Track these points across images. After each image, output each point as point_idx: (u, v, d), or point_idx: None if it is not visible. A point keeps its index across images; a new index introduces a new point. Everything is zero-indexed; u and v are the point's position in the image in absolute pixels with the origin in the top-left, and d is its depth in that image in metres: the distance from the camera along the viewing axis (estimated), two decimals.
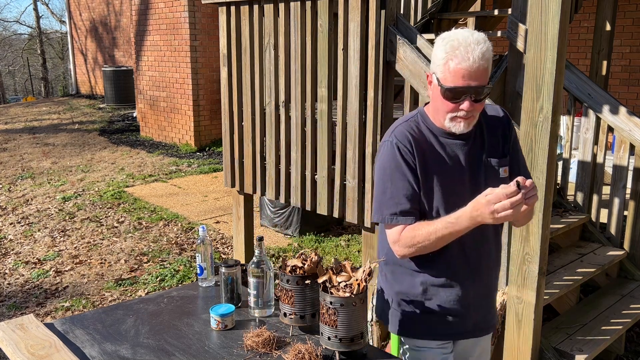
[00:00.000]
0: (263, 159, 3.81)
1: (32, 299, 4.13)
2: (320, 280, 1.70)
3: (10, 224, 5.74)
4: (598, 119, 3.57)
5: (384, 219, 1.68)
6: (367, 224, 3.21)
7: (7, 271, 4.62)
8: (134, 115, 11.15)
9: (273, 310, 2.01)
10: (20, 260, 4.80)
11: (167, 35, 9.03)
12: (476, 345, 1.91)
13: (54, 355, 1.73)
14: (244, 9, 3.69)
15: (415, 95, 2.97)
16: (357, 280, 1.68)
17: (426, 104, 1.77)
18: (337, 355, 1.67)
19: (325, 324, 1.66)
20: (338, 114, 3.22)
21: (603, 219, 3.71)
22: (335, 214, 3.35)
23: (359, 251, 4.82)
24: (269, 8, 3.50)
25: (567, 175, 3.86)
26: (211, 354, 1.75)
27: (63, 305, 3.99)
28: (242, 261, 4.03)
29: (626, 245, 3.60)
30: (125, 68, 12.03)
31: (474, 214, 1.49)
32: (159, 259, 4.76)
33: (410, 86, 2.95)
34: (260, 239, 1.96)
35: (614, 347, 3.24)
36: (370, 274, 1.68)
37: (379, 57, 2.98)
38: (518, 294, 2.63)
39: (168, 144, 9.43)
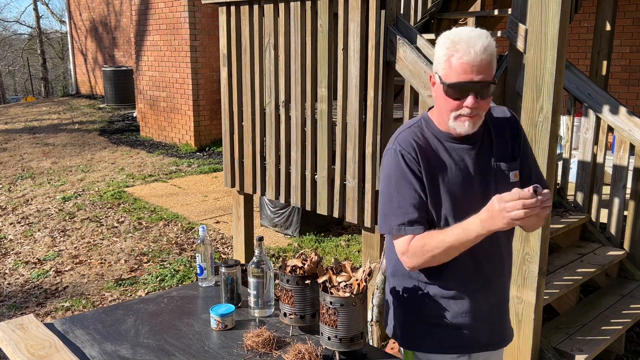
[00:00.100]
0: (263, 159, 3.81)
1: (32, 299, 4.13)
2: (320, 280, 1.70)
3: (10, 224, 5.74)
4: (598, 119, 3.57)
5: (392, 230, 1.61)
6: (367, 224, 3.21)
7: (7, 271, 4.62)
8: (134, 115, 11.15)
9: (273, 310, 2.01)
10: (20, 260, 4.80)
11: (167, 35, 9.03)
12: (491, 358, 1.83)
13: (54, 355, 1.73)
14: (244, 9, 3.69)
15: (415, 95, 2.97)
16: (357, 280, 1.68)
17: (430, 108, 1.70)
18: (337, 355, 1.67)
19: (325, 324, 1.66)
20: (338, 114, 3.22)
21: (603, 219, 3.71)
22: (335, 214, 3.35)
23: (359, 251, 4.82)
24: (269, 8, 3.50)
25: (567, 175, 3.86)
26: (211, 354, 1.75)
27: (63, 305, 3.99)
28: (242, 261, 4.03)
29: (626, 245, 3.60)
30: (125, 68, 12.03)
31: (485, 221, 1.42)
32: (159, 259, 4.76)
33: (410, 86, 2.94)
34: (260, 239, 1.96)
35: (614, 347, 3.24)
36: (370, 274, 1.68)
37: (379, 57, 2.98)
38: (518, 293, 2.63)
39: (168, 144, 9.43)
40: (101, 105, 12.64)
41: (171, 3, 8.82)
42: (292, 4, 3.35)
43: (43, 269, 4.61)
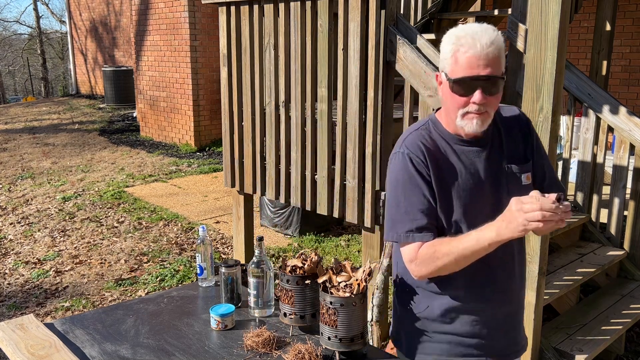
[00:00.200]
0: (263, 159, 3.81)
1: (32, 299, 4.13)
2: (320, 280, 1.70)
3: (10, 224, 5.74)
4: (598, 119, 3.57)
5: (399, 237, 1.53)
6: (367, 224, 3.21)
7: (7, 271, 4.62)
8: (134, 115, 11.15)
9: (273, 310, 2.01)
10: (20, 260, 4.80)
11: (167, 35, 9.03)
12: None
13: (54, 355, 1.73)
14: (244, 9, 3.69)
15: (415, 95, 2.97)
16: (357, 280, 1.67)
17: (437, 110, 1.64)
18: (337, 355, 1.67)
19: (325, 324, 1.66)
20: (338, 114, 3.22)
21: (603, 219, 3.72)
22: (335, 214, 3.35)
23: (359, 251, 4.82)
24: (269, 8, 3.50)
25: (567, 175, 3.86)
26: (211, 354, 1.75)
27: (63, 305, 3.99)
28: (242, 261, 4.03)
29: (626, 245, 3.60)
30: (125, 68, 12.03)
31: (500, 227, 1.35)
32: (159, 259, 4.76)
33: (410, 86, 2.95)
34: (260, 239, 1.96)
35: (614, 347, 3.24)
36: (370, 274, 1.68)
37: (379, 57, 2.98)
38: None
39: (168, 144, 9.44)
40: (101, 105, 12.64)
41: (171, 3, 8.82)
42: (292, 4, 3.35)
43: (43, 269, 4.61)
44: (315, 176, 3.44)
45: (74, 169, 7.85)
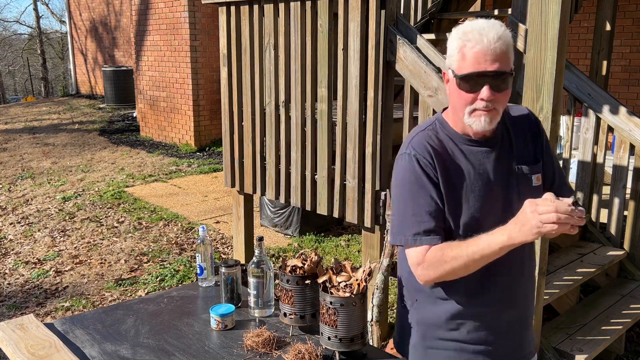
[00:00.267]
0: (263, 159, 3.81)
1: (32, 299, 4.13)
2: (320, 280, 1.70)
3: (10, 224, 5.74)
4: (598, 119, 3.57)
5: (406, 240, 1.48)
6: (367, 224, 3.21)
7: (7, 271, 4.62)
8: (134, 115, 11.15)
9: (273, 310, 2.01)
10: (20, 260, 4.80)
11: (167, 35, 9.03)
12: None
13: (54, 355, 1.73)
14: (244, 9, 3.69)
15: (415, 95, 2.97)
16: (357, 280, 1.67)
17: (444, 109, 1.59)
18: (337, 355, 1.67)
19: (325, 324, 1.66)
20: (338, 114, 3.22)
21: (603, 219, 3.72)
22: (335, 214, 3.35)
23: (359, 251, 4.82)
24: (269, 8, 3.50)
25: (567, 175, 3.87)
26: (211, 354, 1.75)
27: (63, 305, 3.99)
28: (242, 261, 4.03)
29: (626, 245, 3.60)
30: (125, 68, 12.03)
31: (512, 230, 1.31)
32: (159, 259, 4.76)
33: (410, 86, 2.95)
34: (260, 239, 1.96)
35: (614, 347, 3.24)
36: (370, 274, 1.68)
37: (379, 57, 2.98)
38: None
39: (168, 144, 9.44)
40: (101, 105, 12.64)
41: (171, 3, 8.82)
42: (292, 4, 3.35)
43: (43, 269, 4.61)
44: (315, 176, 3.44)
45: (74, 169, 7.85)
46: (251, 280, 1.95)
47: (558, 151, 4.02)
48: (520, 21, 3.23)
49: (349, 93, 3.15)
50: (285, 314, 1.85)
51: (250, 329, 1.87)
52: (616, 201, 3.54)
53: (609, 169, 3.84)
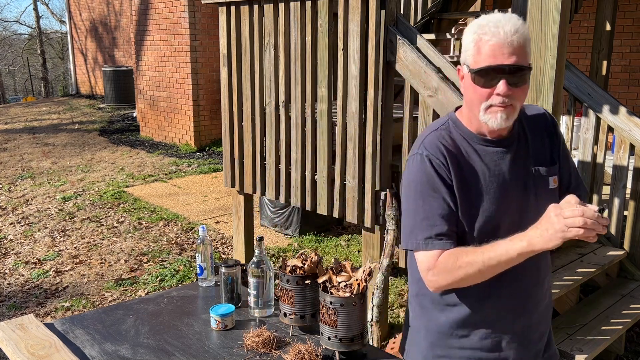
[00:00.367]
0: (263, 159, 3.81)
1: (32, 299, 4.13)
2: (320, 280, 1.70)
3: (10, 224, 5.74)
4: (598, 119, 3.57)
5: (417, 245, 1.42)
6: (367, 224, 3.21)
7: (7, 271, 4.62)
8: (134, 115, 11.15)
9: (273, 310, 2.01)
10: (20, 260, 4.80)
11: (167, 35, 9.03)
12: None
13: (54, 355, 1.72)
14: (244, 9, 3.69)
15: (415, 95, 2.97)
16: (357, 280, 1.68)
17: (457, 108, 1.53)
18: (337, 355, 1.67)
19: (325, 324, 1.66)
20: (338, 114, 3.22)
21: None
22: (335, 214, 3.35)
23: (359, 251, 4.82)
24: (269, 8, 3.50)
25: None
26: (211, 354, 1.75)
27: (63, 305, 3.99)
28: (242, 261, 4.03)
29: (626, 245, 3.60)
30: (125, 68, 12.03)
31: (533, 237, 1.25)
32: (159, 259, 4.76)
33: (410, 86, 2.95)
34: (260, 239, 1.96)
35: (614, 347, 3.24)
36: (370, 274, 1.68)
37: (379, 57, 2.98)
38: None
39: (168, 144, 9.44)
40: (101, 105, 12.64)
41: (171, 3, 8.82)
42: (292, 4, 3.35)
43: (43, 269, 4.61)
44: (315, 176, 3.44)
45: (74, 169, 7.85)
46: (251, 280, 1.95)
47: None
48: None
49: (349, 93, 3.15)
50: (285, 314, 1.85)
51: (250, 329, 1.87)
52: (616, 201, 3.54)
53: (609, 169, 3.84)
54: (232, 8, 3.78)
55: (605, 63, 4.67)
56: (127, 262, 4.72)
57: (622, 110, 3.47)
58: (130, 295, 4.13)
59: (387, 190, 3.10)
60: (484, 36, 1.33)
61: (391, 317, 3.59)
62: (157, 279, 4.34)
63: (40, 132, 10.43)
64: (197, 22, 8.65)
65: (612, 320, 3.10)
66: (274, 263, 4.50)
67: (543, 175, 1.47)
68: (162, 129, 9.59)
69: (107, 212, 5.98)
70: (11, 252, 5.01)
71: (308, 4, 3.26)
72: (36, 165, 8.13)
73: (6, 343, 1.82)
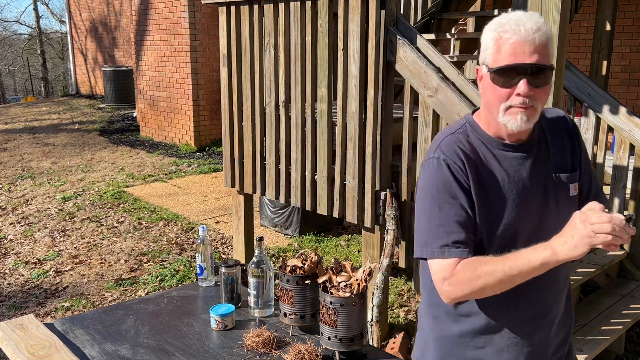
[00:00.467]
0: (263, 159, 3.81)
1: (32, 299, 4.13)
2: (320, 280, 1.71)
3: (10, 224, 5.74)
4: (598, 119, 3.57)
5: (433, 253, 1.35)
6: (367, 224, 3.21)
7: (7, 271, 4.62)
8: (134, 115, 11.16)
9: (273, 310, 2.01)
10: (20, 260, 4.80)
11: (167, 35, 9.03)
12: None
13: (54, 355, 1.73)
14: (244, 9, 3.69)
15: (415, 95, 2.97)
16: (357, 280, 1.68)
17: (474, 110, 1.47)
18: (337, 355, 1.67)
19: (325, 324, 1.66)
20: (338, 114, 3.22)
21: None
22: (335, 214, 3.35)
23: (359, 251, 4.82)
24: (269, 8, 3.50)
25: None
26: (211, 354, 1.75)
27: (63, 305, 3.99)
28: (242, 261, 4.03)
29: (626, 245, 3.59)
30: (125, 68, 12.03)
31: (557, 245, 1.19)
32: (159, 259, 4.76)
33: (410, 86, 2.95)
34: (260, 239, 1.96)
35: (614, 347, 3.24)
36: (370, 274, 1.68)
37: (379, 57, 2.99)
38: None
39: (168, 144, 9.44)
40: (101, 105, 12.64)
41: (171, 3, 8.82)
42: (292, 4, 3.35)
43: (43, 269, 4.61)
44: (315, 176, 3.44)
45: (74, 169, 7.85)
46: (251, 280, 1.95)
47: None
48: None
49: (349, 93, 3.15)
50: (285, 314, 1.85)
51: (250, 329, 1.87)
52: (616, 201, 3.54)
53: (609, 169, 3.84)
54: (232, 8, 3.78)
55: (605, 63, 4.66)
56: (127, 262, 4.72)
57: (622, 110, 3.47)
58: (130, 295, 4.13)
59: (387, 190, 3.10)
60: (504, 34, 1.28)
61: (391, 317, 3.59)
62: (157, 279, 4.34)
63: (40, 132, 10.43)
64: (197, 22, 8.65)
65: (612, 320, 3.10)
66: (274, 263, 4.50)
67: (564, 182, 1.42)
68: (162, 129, 9.60)
69: (107, 212, 5.98)
70: (11, 252, 5.02)
71: (308, 4, 3.26)
72: (36, 165, 8.13)
73: (6, 343, 1.82)
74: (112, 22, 13.00)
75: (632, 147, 3.45)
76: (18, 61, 28.58)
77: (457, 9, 5.35)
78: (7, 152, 8.93)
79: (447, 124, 2.79)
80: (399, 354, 3.06)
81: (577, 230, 1.16)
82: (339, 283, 1.68)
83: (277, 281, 1.91)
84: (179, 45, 8.83)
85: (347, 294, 1.64)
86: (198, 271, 2.27)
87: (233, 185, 4.08)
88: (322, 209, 3.43)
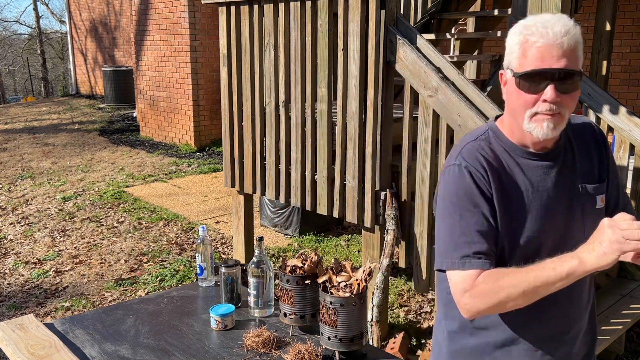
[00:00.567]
0: (263, 159, 3.81)
1: (32, 299, 4.13)
2: (320, 280, 1.71)
3: (10, 224, 5.74)
4: (598, 119, 3.57)
5: (453, 264, 1.28)
6: (367, 224, 3.21)
7: (7, 271, 4.63)
8: (134, 115, 11.16)
9: (273, 310, 2.01)
10: (20, 260, 4.81)
11: (167, 35, 9.03)
12: None
13: (54, 355, 1.73)
14: (244, 9, 3.69)
15: (415, 95, 2.97)
16: (357, 280, 1.68)
17: (497, 117, 1.41)
18: (337, 355, 1.67)
19: (325, 324, 1.66)
20: (338, 114, 3.22)
21: None
22: (335, 214, 3.35)
23: (359, 251, 4.82)
24: (269, 8, 3.50)
25: None
26: (211, 354, 1.75)
27: (63, 305, 3.99)
28: (242, 261, 4.03)
29: None
30: (125, 68, 12.03)
31: (584, 254, 1.13)
32: (159, 259, 4.76)
33: (410, 86, 2.95)
34: (260, 239, 1.96)
35: (614, 347, 3.24)
36: (370, 274, 1.68)
37: (379, 57, 2.99)
38: None
39: (168, 144, 9.44)
40: (101, 105, 12.64)
41: (171, 3, 8.83)
42: (292, 4, 3.35)
43: (43, 269, 4.61)
44: (315, 176, 3.44)
45: (74, 169, 7.85)
46: (251, 280, 1.95)
47: None
48: None
49: (349, 93, 3.15)
50: (285, 314, 1.85)
51: (250, 329, 1.87)
52: None
53: None
54: (232, 8, 3.78)
55: (605, 63, 4.66)
56: (127, 262, 4.72)
57: (622, 110, 3.47)
58: (130, 295, 4.13)
59: (387, 190, 3.10)
60: (531, 37, 1.22)
61: (391, 317, 3.59)
62: (157, 279, 4.34)
63: (40, 132, 10.43)
64: (197, 22, 8.65)
65: (612, 320, 3.09)
66: (274, 263, 4.50)
67: (590, 193, 1.35)
68: (162, 129, 9.60)
69: (107, 212, 5.98)
70: (11, 252, 5.02)
71: (308, 4, 3.26)
72: (36, 165, 8.13)
73: (6, 343, 1.82)
74: (112, 22, 13.01)
75: (632, 147, 3.44)
76: (18, 61, 28.58)
77: (457, 9, 5.35)
78: (7, 152, 8.93)
79: (447, 124, 2.79)
80: (399, 354, 3.06)
81: (606, 236, 1.10)
82: (339, 283, 1.68)
83: (277, 281, 1.91)
84: (179, 45, 8.83)
85: (347, 294, 1.64)
86: (198, 271, 2.27)
87: (233, 185, 4.08)
88: (322, 209, 3.43)
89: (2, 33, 29.17)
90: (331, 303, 1.64)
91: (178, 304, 2.12)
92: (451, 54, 5.41)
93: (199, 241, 2.23)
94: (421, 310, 3.77)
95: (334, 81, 3.24)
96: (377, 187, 3.14)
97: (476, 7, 5.51)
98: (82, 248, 5.04)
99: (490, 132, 1.38)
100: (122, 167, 7.88)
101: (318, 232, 5.28)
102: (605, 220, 1.13)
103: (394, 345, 3.14)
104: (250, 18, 3.67)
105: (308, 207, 3.51)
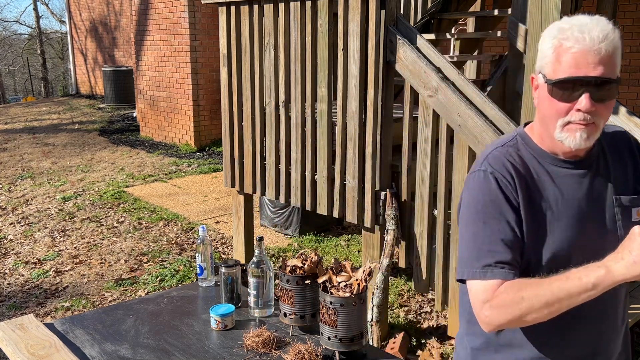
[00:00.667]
0: (263, 159, 3.81)
1: (32, 299, 4.13)
2: (320, 280, 1.71)
3: (10, 224, 5.74)
4: None
5: (475, 273, 1.20)
6: (367, 223, 3.21)
7: (7, 271, 4.63)
8: (134, 115, 11.16)
9: (273, 310, 2.01)
10: (20, 260, 4.81)
11: (167, 35, 9.03)
12: None
13: (54, 355, 1.73)
14: (244, 9, 3.69)
15: (415, 95, 2.97)
16: (357, 280, 1.68)
17: (527, 123, 1.36)
18: (337, 355, 1.67)
19: (325, 324, 1.66)
20: (338, 114, 3.22)
21: None
22: (335, 214, 3.35)
23: (359, 251, 4.82)
24: (269, 8, 3.50)
25: None
26: (211, 354, 1.75)
27: (63, 305, 3.99)
28: (242, 261, 4.03)
29: None
30: (125, 68, 12.03)
31: (612, 262, 1.06)
32: (159, 259, 4.76)
33: (410, 86, 2.95)
34: (260, 239, 1.96)
35: None
36: (370, 274, 1.68)
37: (379, 57, 2.99)
38: None
39: (168, 144, 9.44)
40: (101, 105, 12.64)
41: (171, 3, 8.83)
42: (292, 4, 3.35)
43: (43, 269, 4.61)
44: (315, 176, 3.44)
45: (74, 169, 7.85)
46: (251, 280, 1.95)
47: None
48: (520, 21, 3.23)
49: (349, 93, 3.15)
50: (285, 314, 1.85)
51: (250, 329, 1.87)
52: None
53: None
54: (232, 8, 3.78)
55: None
56: (127, 262, 4.72)
57: (622, 110, 3.47)
58: (130, 295, 4.13)
59: (387, 190, 3.10)
60: (566, 42, 1.14)
61: (391, 317, 3.59)
62: (157, 279, 4.34)
63: (40, 132, 10.43)
64: (197, 22, 8.65)
65: None
66: (274, 263, 4.50)
67: (626, 205, 1.27)
68: (162, 129, 9.60)
69: (107, 212, 5.98)
70: (11, 252, 5.02)
71: (308, 4, 3.26)
72: (36, 165, 8.13)
73: (6, 343, 1.82)
74: (112, 22, 13.01)
75: None
76: (18, 61, 28.58)
77: (457, 9, 5.35)
78: (7, 152, 8.93)
79: (447, 124, 2.79)
80: (399, 354, 3.06)
81: (636, 244, 1.03)
82: (339, 283, 1.68)
83: (277, 281, 1.92)
84: (179, 45, 8.83)
85: (347, 294, 1.64)
86: (198, 271, 2.27)
87: (233, 185, 4.08)
88: (322, 209, 3.43)
89: (2, 33, 29.19)
90: (331, 303, 1.64)
91: (178, 304, 2.12)
92: (451, 54, 5.41)
93: (199, 241, 2.23)
94: (421, 310, 3.77)
95: (334, 81, 3.24)
96: (377, 187, 3.14)
97: (476, 7, 5.51)
98: (82, 248, 5.04)
99: (519, 138, 1.31)
100: (122, 167, 7.88)
101: (318, 232, 5.28)
102: (637, 229, 1.06)
103: (394, 345, 3.14)
104: (250, 18, 3.67)
105: (308, 207, 3.51)
